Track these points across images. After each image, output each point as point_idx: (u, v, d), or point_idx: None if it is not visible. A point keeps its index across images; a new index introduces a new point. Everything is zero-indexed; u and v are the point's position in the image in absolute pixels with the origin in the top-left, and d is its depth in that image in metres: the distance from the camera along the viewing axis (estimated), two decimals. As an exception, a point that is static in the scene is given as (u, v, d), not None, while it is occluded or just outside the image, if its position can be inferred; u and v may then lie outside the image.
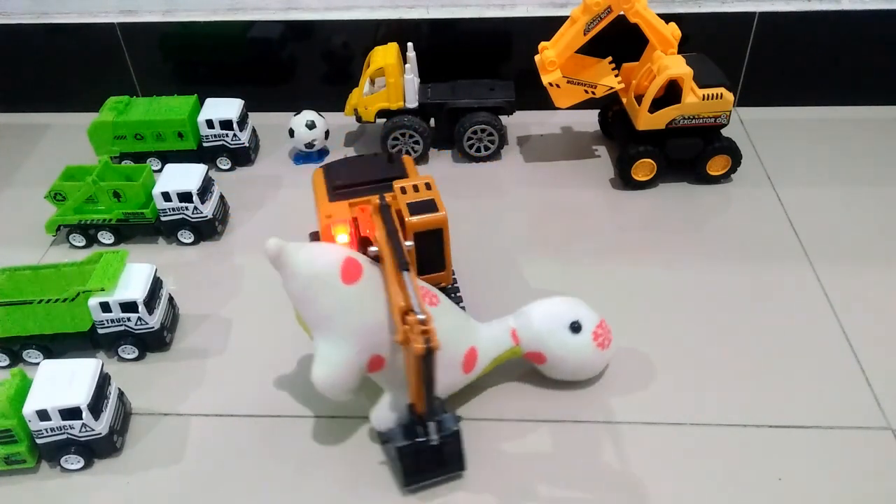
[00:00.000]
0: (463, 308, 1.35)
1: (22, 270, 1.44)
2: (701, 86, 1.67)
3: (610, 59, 1.80)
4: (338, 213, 1.33)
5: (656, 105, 1.68)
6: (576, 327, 1.26)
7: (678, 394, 1.31)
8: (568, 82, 1.73)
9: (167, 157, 1.84)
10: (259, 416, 1.31)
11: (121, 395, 1.30)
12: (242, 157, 1.92)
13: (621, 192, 1.79)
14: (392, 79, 1.80)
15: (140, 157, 1.88)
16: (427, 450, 1.13)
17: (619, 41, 1.73)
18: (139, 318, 1.38)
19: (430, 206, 1.30)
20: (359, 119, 1.88)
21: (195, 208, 1.64)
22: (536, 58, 1.76)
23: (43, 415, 1.19)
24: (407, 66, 1.82)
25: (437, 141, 1.92)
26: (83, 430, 1.20)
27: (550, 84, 1.73)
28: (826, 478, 1.17)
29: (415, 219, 1.27)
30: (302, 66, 2.07)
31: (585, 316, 1.28)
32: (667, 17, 1.72)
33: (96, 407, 1.21)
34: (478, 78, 1.92)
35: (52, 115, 2.17)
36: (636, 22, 1.67)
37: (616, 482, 1.18)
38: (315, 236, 1.49)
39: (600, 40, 1.69)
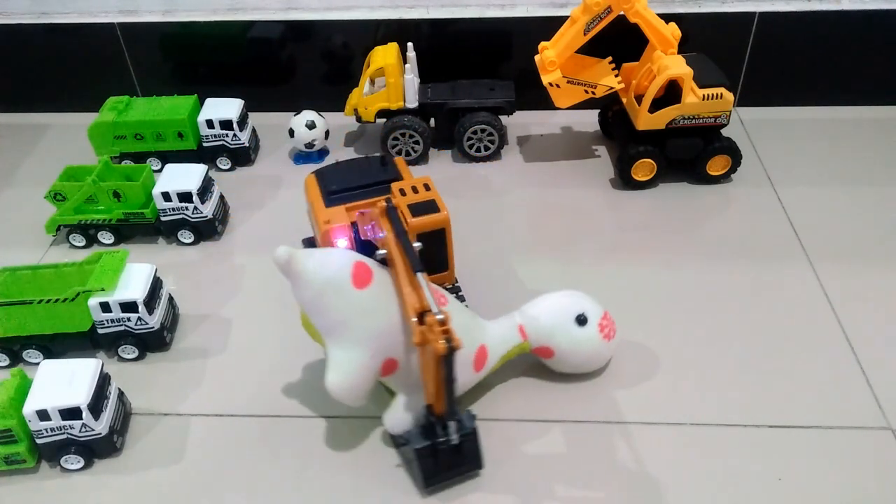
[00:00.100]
0: (466, 307, 1.35)
1: (22, 270, 1.44)
2: (701, 86, 1.67)
3: (610, 59, 1.80)
4: (336, 219, 1.32)
5: (656, 105, 1.68)
6: (582, 320, 1.27)
7: (678, 394, 1.31)
8: (568, 82, 1.73)
9: (167, 157, 1.84)
10: (259, 416, 1.31)
11: (121, 395, 1.30)
12: (242, 157, 1.92)
13: (621, 192, 1.79)
14: (392, 79, 1.80)
15: (140, 157, 1.88)
16: (445, 450, 1.13)
17: (619, 41, 1.73)
18: (139, 318, 1.38)
19: (431, 206, 1.30)
20: (359, 119, 1.88)
21: (195, 208, 1.64)
22: (536, 58, 1.76)
23: (43, 415, 1.19)
24: (407, 66, 1.82)
25: (437, 141, 1.92)
26: (83, 430, 1.20)
27: (550, 84, 1.73)
28: (826, 478, 1.17)
29: (417, 220, 1.27)
30: (302, 66, 2.07)
31: (590, 308, 1.29)
32: (667, 17, 1.72)
33: (96, 407, 1.21)
34: (478, 78, 1.92)
35: (52, 115, 2.17)
36: (636, 22, 1.67)
37: (617, 482, 1.18)
38: (309, 242, 1.49)
39: (600, 40, 1.69)
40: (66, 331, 1.39)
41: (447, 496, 1.17)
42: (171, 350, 1.44)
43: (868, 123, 1.99)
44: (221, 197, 1.74)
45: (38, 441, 1.21)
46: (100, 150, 1.87)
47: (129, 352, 1.41)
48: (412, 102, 1.84)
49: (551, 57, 1.70)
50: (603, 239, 1.66)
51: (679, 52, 1.71)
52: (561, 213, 1.74)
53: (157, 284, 1.43)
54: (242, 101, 1.92)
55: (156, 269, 1.44)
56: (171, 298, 1.49)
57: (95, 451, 1.24)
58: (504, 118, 1.88)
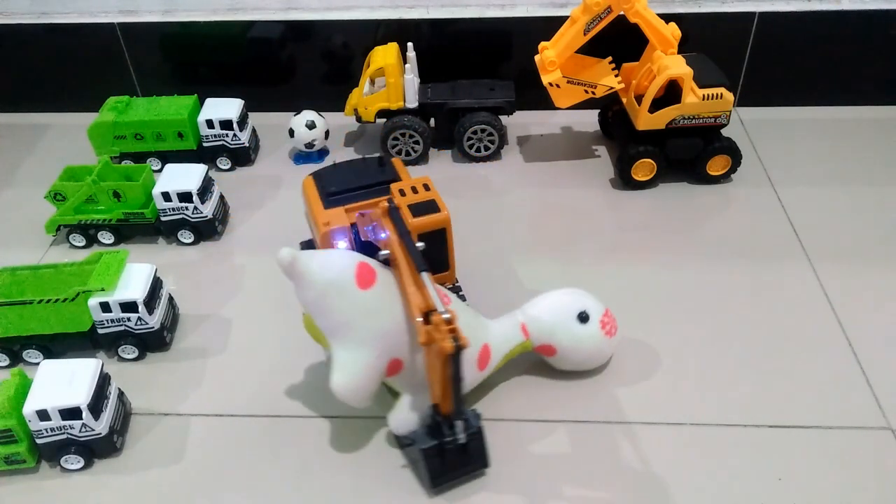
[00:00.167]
0: (468, 307, 1.35)
1: (22, 270, 1.44)
2: (701, 86, 1.67)
3: (610, 59, 1.80)
4: (335, 220, 1.32)
5: (656, 105, 1.68)
6: (583, 317, 1.28)
7: (678, 394, 1.31)
8: (568, 82, 1.73)
9: (167, 157, 1.84)
10: (259, 416, 1.31)
11: (121, 395, 1.30)
12: (242, 157, 1.92)
13: (621, 192, 1.79)
14: (392, 79, 1.80)
15: (140, 157, 1.88)
16: (451, 449, 1.13)
17: (619, 41, 1.73)
18: (139, 318, 1.38)
19: (431, 206, 1.30)
20: (359, 119, 1.88)
21: (195, 208, 1.64)
22: (536, 58, 1.76)
23: (43, 415, 1.19)
24: (407, 66, 1.82)
25: (437, 141, 1.92)
26: (83, 430, 1.20)
27: (550, 84, 1.73)
28: (826, 478, 1.17)
29: (417, 220, 1.27)
30: (302, 66, 2.07)
31: (591, 306, 1.29)
32: (667, 17, 1.72)
33: (96, 407, 1.21)
34: (478, 78, 1.92)
35: (52, 115, 2.17)
36: (636, 22, 1.67)
37: (620, 482, 1.18)
38: (307, 245, 1.49)
39: (600, 40, 1.69)
40: (66, 331, 1.39)
41: (452, 496, 1.17)
42: (171, 350, 1.44)
43: (868, 123, 1.99)
44: (221, 197, 1.74)
45: (38, 441, 1.21)
46: (100, 150, 1.87)
47: (129, 352, 1.41)
48: (412, 102, 1.84)
49: (551, 57, 1.70)
50: (603, 239, 1.66)
51: (679, 52, 1.71)
52: (561, 213, 1.74)
53: (157, 284, 1.43)
54: (242, 101, 1.92)
55: (156, 269, 1.44)
56: (171, 298, 1.49)
57: (95, 451, 1.24)
58: (504, 118, 1.88)
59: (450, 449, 1.13)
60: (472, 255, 1.58)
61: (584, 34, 1.67)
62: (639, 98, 1.71)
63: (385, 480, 1.20)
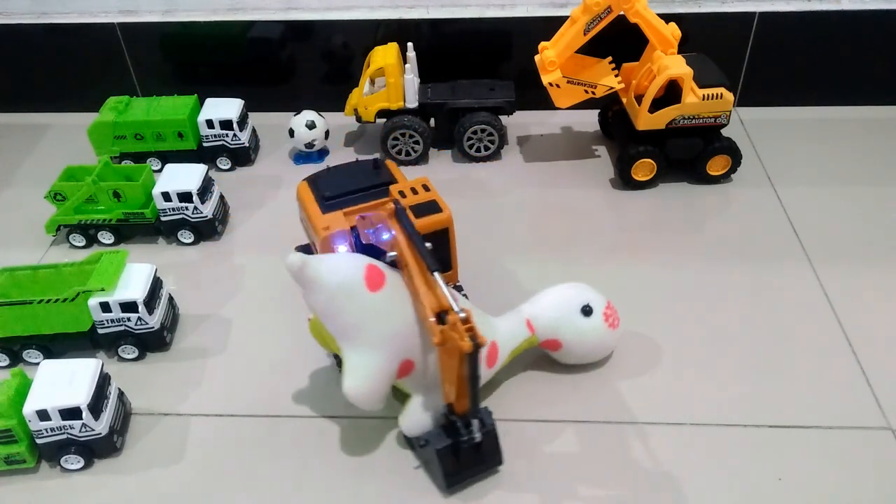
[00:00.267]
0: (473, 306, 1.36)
1: (22, 270, 1.44)
2: (701, 86, 1.67)
3: (610, 59, 1.80)
4: (334, 224, 1.32)
5: (656, 105, 1.68)
6: (587, 310, 1.28)
7: (678, 394, 1.31)
8: (568, 82, 1.73)
9: (167, 157, 1.84)
10: (259, 416, 1.31)
11: (121, 395, 1.30)
12: (242, 157, 1.92)
13: (621, 192, 1.79)
14: (392, 79, 1.80)
15: (140, 157, 1.88)
16: (466, 449, 1.13)
17: (619, 41, 1.73)
18: (139, 318, 1.38)
19: (433, 206, 1.30)
20: (359, 119, 1.88)
21: (195, 208, 1.64)
22: (536, 58, 1.76)
23: (43, 415, 1.19)
24: (407, 66, 1.82)
25: (437, 141, 1.92)
26: (83, 430, 1.20)
27: (550, 84, 1.73)
28: (826, 478, 1.17)
29: (420, 221, 1.27)
30: (302, 66, 2.07)
31: (594, 299, 1.30)
32: (667, 17, 1.72)
33: (96, 407, 1.21)
34: (478, 78, 1.92)
35: (52, 115, 2.17)
36: (636, 22, 1.67)
37: (623, 481, 1.18)
38: (303, 250, 1.48)
39: (600, 40, 1.69)
40: (66, 331, 1.39)
41: (464, 496, 1.17)
42: (171, 350, 1.44)
43: (868, 123, 1.99)
44: (221, 197, 1.73)
45: (38, 441, 1.21)
46: (100, 150, 1.87)
47: (129, 352, 1.41)
48: (412, 102, 1.84)
49: (551, 57, 1.70)
50: (603, 239, 1.66)
51: (679, 52, 1.71)
52: (561, 213, 1.74)
53: (157, 284, 1.43)
54: (242, 101, 1.91)
55: (156, 269, 1.44)
56: (171, 298, 1.49)
57: (95, 451, 1.24)
58: (504, 118, 1.88)
59: (464, 448, 1.13)
60: (471, 256, 1.58)
61: (584, 34, 1.67)
62: (639, 98, 1.71)
63: (385, 480, 1.19)
